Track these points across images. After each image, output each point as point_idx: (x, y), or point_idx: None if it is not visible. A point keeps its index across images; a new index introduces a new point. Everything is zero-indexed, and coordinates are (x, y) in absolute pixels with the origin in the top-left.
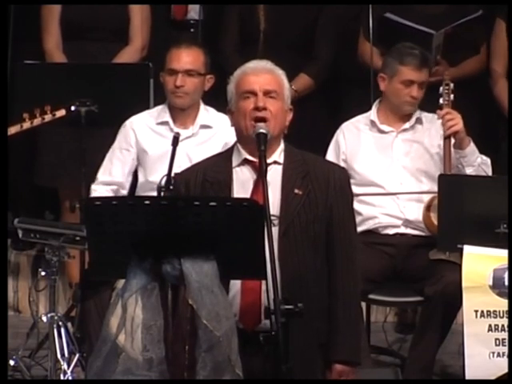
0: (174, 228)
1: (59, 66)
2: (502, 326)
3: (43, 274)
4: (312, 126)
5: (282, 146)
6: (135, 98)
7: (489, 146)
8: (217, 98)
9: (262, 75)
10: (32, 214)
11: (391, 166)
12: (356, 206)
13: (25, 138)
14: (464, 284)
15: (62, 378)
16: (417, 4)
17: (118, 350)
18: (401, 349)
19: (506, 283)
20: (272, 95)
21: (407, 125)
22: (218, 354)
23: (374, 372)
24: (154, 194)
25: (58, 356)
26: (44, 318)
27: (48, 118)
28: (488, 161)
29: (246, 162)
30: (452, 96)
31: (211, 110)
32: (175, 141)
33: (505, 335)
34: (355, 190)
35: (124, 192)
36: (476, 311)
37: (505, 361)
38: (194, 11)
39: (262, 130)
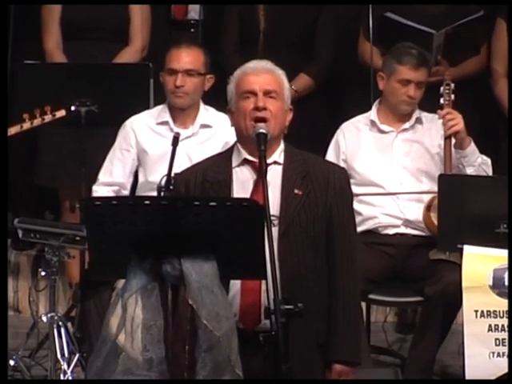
0: (174, 228)
1: (59, 65)
2: (502, 325)
3: (43, 273)
4: (312, 126)
5: (281, 146)
6: (135, 98)
7: (489, 146)
8: (217, 98)
9: (262, 75)
10: (32, 214)
11: (391, 166)
12: (356, 206)
13: (25, 138)
14: (464, 284)
15: (62, 377)
16: (417, 4)
17: (118, 350)
18: (401, 349)
19: (506, 283)
20: (272, 95)
21: (407, 125)
22: (218, 354)
23: (374, 372)
24: (154, 194)
25: (58, 356)
26: (44, 318)
27: (48, 118)
28: (488, 161)
29: (245, 162)
30: (453, 96)
31: (211, 110)
32: (175, 141)
33: (505, 335)
34: (355, 190)
35: (125, 193)
36: (476, 311)
37: (505, 361)
38: (194, 11)
39: (262, 130)
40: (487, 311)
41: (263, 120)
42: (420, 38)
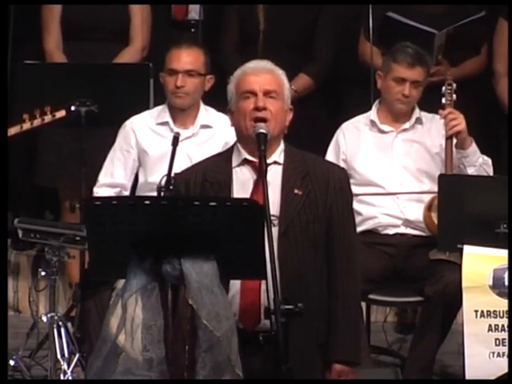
0: (174, 228)
1: (59, 65)
2: (502, 325)
3: (43, 273)
4: (312, 126)
5: (281, 146)
6: (135, 97)
7: (489, 146)
8: (217, 98)
9: (262, 75)
10: (32, 214)
11: (391, 166)
12: (356, 206)
13: (25, 138)
14: (464, 284)
15: (62, 377)
16: (417, 4)
17: (118, 350)
18: (401, 349)
19: (506, 283)
20: (272, 95)
21: (407, 125)
22: (218, 354)
23: (374, 372)
24: (154, 194)
25: (58, 356)
26: (44, 318)
27: (48, 118)
28: (489, 161)
29: (245, 162)
30: (455, 96)
31: (211, 110)
32: (175, 141)
33: (505, 335)
34: (355, 189)
35: (126, 194)
36: (476, 311)
37: (505, 361)
38: (194, 11)
39: (262, 130)
40: (487, 311)
41: (263, 120)
42: (421, 38)
